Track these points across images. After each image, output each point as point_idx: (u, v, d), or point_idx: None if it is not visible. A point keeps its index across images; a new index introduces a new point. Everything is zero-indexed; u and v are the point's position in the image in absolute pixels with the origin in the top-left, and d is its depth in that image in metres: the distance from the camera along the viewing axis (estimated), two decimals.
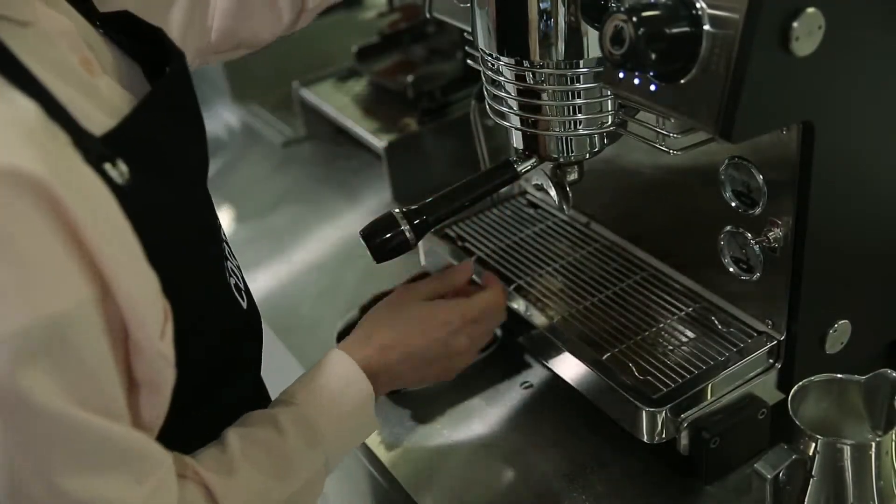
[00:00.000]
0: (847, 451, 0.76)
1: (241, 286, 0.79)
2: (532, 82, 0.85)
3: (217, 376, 0.74)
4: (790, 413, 0.79)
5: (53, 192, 0.53)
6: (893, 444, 0.77)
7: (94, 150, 0.59)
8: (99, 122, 0.62)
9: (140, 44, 0.75)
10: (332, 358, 0.86)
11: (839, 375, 0.81)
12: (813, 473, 0.78)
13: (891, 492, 0.77)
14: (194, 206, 0.73)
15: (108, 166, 0.60)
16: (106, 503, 0.59)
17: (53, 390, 0.55)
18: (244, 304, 0.77)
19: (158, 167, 0.66)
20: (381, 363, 0.87)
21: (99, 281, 0.56)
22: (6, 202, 0.52)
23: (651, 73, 0.75)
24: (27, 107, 0.56)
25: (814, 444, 0.77)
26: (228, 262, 0.77)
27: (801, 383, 0.80)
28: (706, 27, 0.70)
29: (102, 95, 0.67)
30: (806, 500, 0.79)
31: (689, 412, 0.89)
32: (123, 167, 0.60)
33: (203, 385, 0.72)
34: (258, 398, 0.84)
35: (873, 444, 0.76)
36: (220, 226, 0.79)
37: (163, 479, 0.63)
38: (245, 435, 0.74)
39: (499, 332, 1.12)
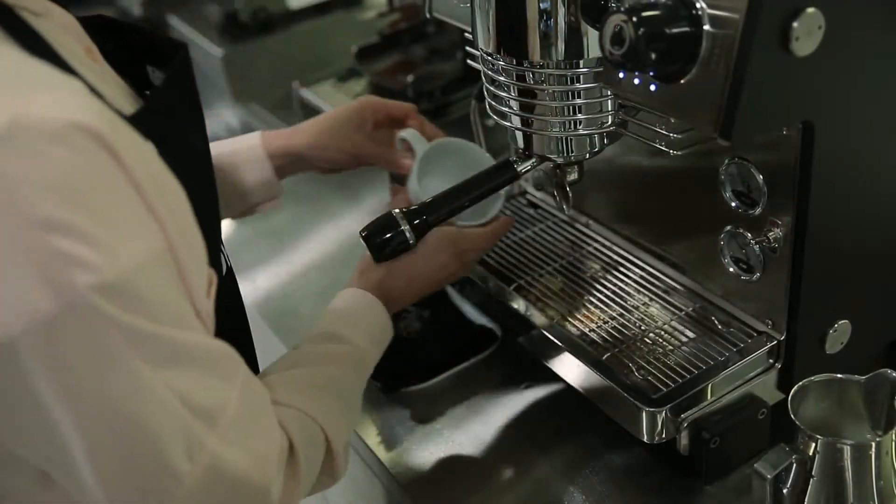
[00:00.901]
0: (847, 451, 0.76)
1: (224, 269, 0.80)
2: (532, 82, 0.85)
3: None
4: (790, 413, 0.79)
5: (116, 150, 0.57)
6: (893, 444, 0.77)
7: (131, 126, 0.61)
8: (121, 106, 0.64)
9: (122, 46, 0.76)
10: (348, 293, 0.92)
11: (839, 375, 0.81)
12: (813, 473, 0.78)
13: (891, 492, 0.77)
14: (206, 190, 0.75)
15: None
16: (217, 400, 0.64)
17: (142, 318, 0.59)
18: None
19: (177, 149, 0.68)
20: (390, 281, 0.92)
21: (164, 233, 0.60)
22: (86, 150, 0.55)
23: (651, 73, 0.75)
24: (78, 85, 0.59)
25: (814, 444, 0.77)
26: (222, 249, 0.80)
27: (801, 383, 0.80)
28: (706, 27, 0.70)
29: (109, 84, 0.69)
30: (806, 500, 0.79)
31: (689, 412, 0.89)
32: (152, 146, 0.63)
33: None
34: None
35: (873, 444, 0.76)
36: (219, 213, 0.81)
37: (247, 374, 0.68)
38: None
39: (499, 331, 1.12)
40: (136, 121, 0.63)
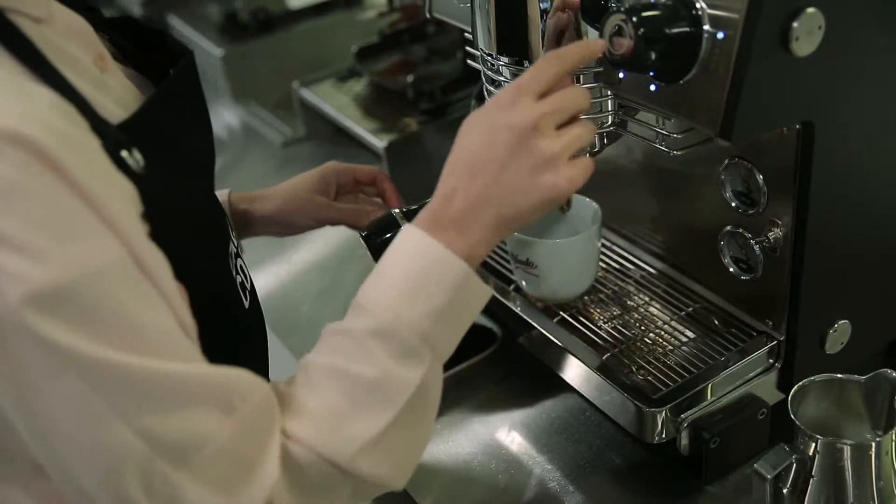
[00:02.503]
0: (847, 451, 0.76)
1: (247, 285, 0.79)
2: None
3: None
4: (790, 413, 0.79)
5: (56, 159, 0.54)
6: (893, 444, 0.77)
7: (112, 136, 0.60)
8: (112, 113, 0.63)
9: (144, 48, 0.76)
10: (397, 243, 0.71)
11: (839, 375, 0.81)
12: (813, 473, 0.78)
13: (891, 492, 0.77)
14: (203, 197, 0.74)
15: (124, 153, 0.61)
16: (192, 436, 0.59)
17: (88, 339, 0.55)
18: (246, 304, 0.77)
19: (170, 157, 0.67)
20: (453, 197, 0.69)
21: (124, 245, 0.57)
22: (15, 160, 0.53)
23: (651, 73, 0.75)
24: (46, 95, 0.57)
25: (814, 444, 0.77)
26: (239, 259, 0.78)
27: (801, 383, 0.80)
28: (706, 27, 0.70)
29: (113, 91, 0.68)
30: (806, 500, 0.79)
31: (689, 412, 0.89)
32: (138, 155, 0.62)
33: None
34: None
35: (873, 444, 0.76)
36: (228, 220, 0.79)
37: (257, 405, 0.62)
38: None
39: (499, 331, 1.12)
40: (124, 128, 0.62)
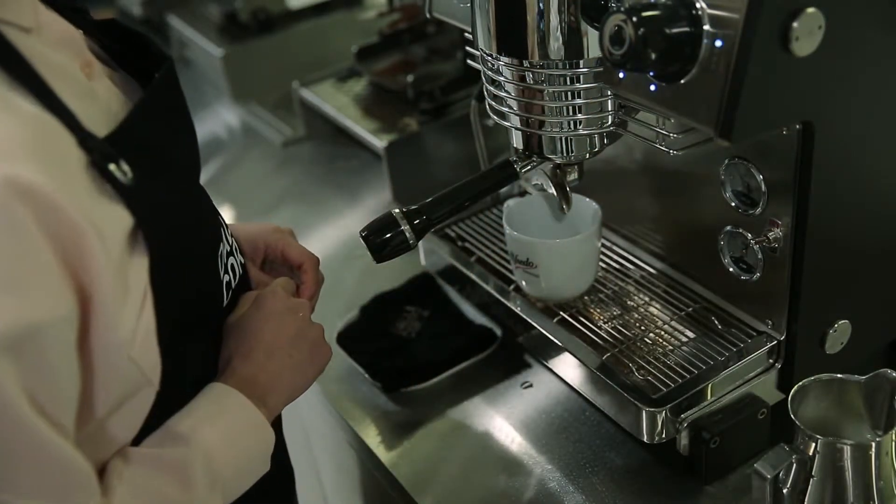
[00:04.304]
0: (847, 451, 0.76)
1: (234, 284, 0.79)
2: (532, 82, 0.85)
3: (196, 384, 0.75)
4: (790, 413, 0.79)
5: (54, 201, 0.55)
6: (893, 444, 0.77)
7: (99, 150, 0.61)
8: (98, 124, 0.63)
9: (129, 50, 0.76)
10: (209, 391, 0.75)
11: (839, 375, 0.81)
12: (813, 473, 0.78)
13: (891, 492, 0.77)
14: (190, 202, 0.74)
15: (112, 166, 0.61)
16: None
17: (22, 397, 0.56)
18: (225, 302, 0.78)
19: (157, 167, 0.67)
20: (250, 369, 0.77)
21: (81, 295, 0.59)
22: (6, 207, 0.54)
23: (651, 73, 0.75)
24: (31, 112, 0.57)
25: (814, 444, 0.77)
26: (231, 257, 0.78)
27: (801, 383, 0.80)
28: (706, 27, 0.70)
29: (100, 100, 0.68)
30: (806, 500, 0.79)
31: (689, 412, 0.89)
32: (126, 167, 0.62)
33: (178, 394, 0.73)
34: None
35: (873, 444, 0.76)
36: (221, 222, 0.79)
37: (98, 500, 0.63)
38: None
39: (499, 331, 1.12)
40: (111, 140, 0.62)
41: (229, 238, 0.80)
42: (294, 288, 0.87)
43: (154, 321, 0.64)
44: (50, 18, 0.67)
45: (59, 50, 0.66)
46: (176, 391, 0.70)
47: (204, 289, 0.74)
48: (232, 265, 0.79)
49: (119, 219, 0.62)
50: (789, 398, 0.79)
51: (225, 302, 0.77)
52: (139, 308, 0.63)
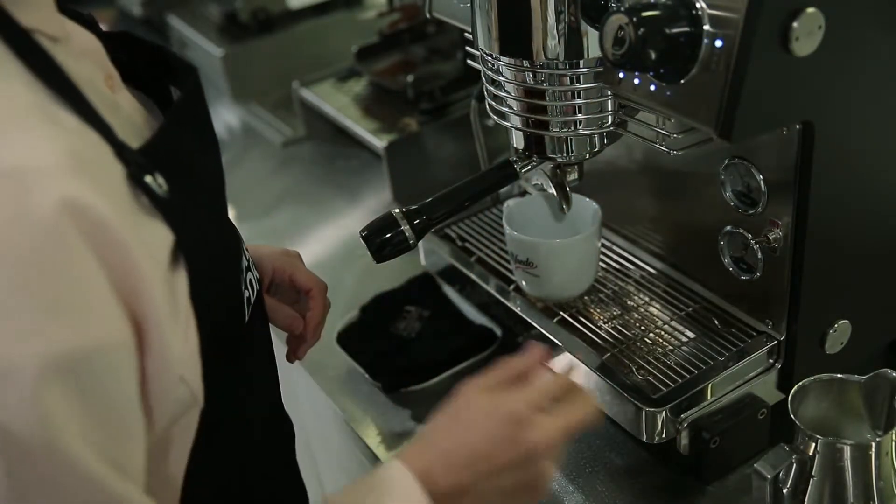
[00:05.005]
0: (847, 451, 0.76)
1: (252, 299, 0.78)
2: (532, 82, 0.85)
3: (226, 399, 0.72)
4: (790, 413, 0.79)
5: (104, 221, 0.53)
6: (893, 444, 0.77)
7: (135, 161, 0.59)
8: (127, 137, 0.61)
9: (144, 64, 0.75)
10: (389, 471, 0.71)
11: (839, 375, 0.81)
12: (813, 473, 0.78)
13: (891, 492, 0.77)
14: (219, 219, 0.73)
15: (148, 178, 0.59)
16: None
17: (75, 431, 0.52)
18: (246, 318, 0.77)
19: (188, 180, 0.65)
20: (447, 474, 0.70)
21: (134, 319, 0.55)
22: (63, 231, 0.51)
23: (651, 74, 0.75)
24: (73, 125, 0.55)
25: (814, 444, 0.77)
26: (249, 272, 0.77)
27: (801, 383, 0.80)
28: (706, 27, 0.70)
29: (124, 112, 0.67)
30: (806, 500, 0.79)
31: (689, 412, 0.89)
32: (161, 179, 0.60)
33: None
34: (277, 422, 0.83)
35: (873, 444, 0.76)
36: (240, 236, 0.78)
37: None
38: None
39: (499, 331, 1.12)
40: (144, 153, 0.61)
41: (247, 252, 0.79)
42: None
43: (196, 338, 0.61)
44: (75, 29, 0.66)
45: (83, 61, 0.64)
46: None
47: (231, 305, 0.72)
48: (251, 280, 0.78)
49: (162, 235, 0.59)
50: (789, 398, 0.79)
51: (246, 318, 0.77)
52: (185, 325, 0.61)
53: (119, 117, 0.64)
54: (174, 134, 0.67)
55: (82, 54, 0.65)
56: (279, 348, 0.93)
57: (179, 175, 0.63)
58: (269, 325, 0.86)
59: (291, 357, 0.93)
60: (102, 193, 0.54)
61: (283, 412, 0.84)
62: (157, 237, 0.59)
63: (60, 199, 0.51)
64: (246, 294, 0.75)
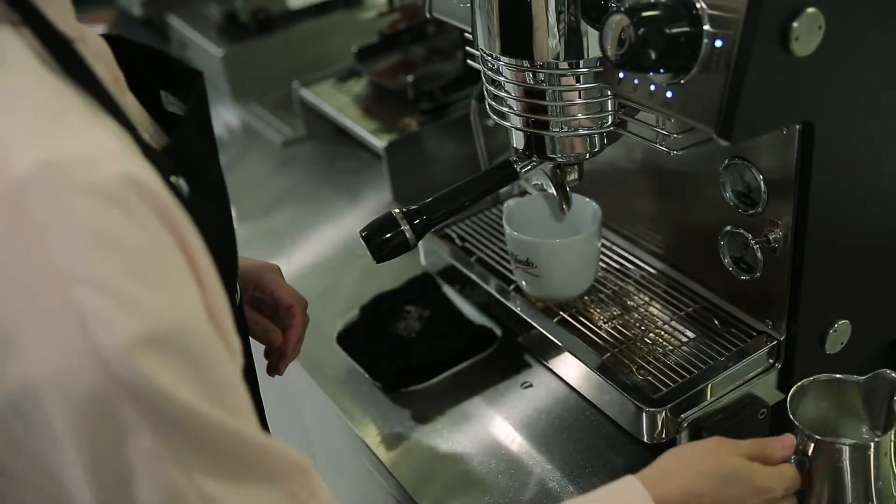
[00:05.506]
0: (846, 451, 0.76)
1: (237, 302, 0.79)
2: (532, 82, 0.85)
3: None
4: (789, 413, 0.79)
5: (161, 195, 0.53)
6: (892, 444, 0.77)
7: (161, 162, 0.59)
8: (147, 138, 0.62)
9: (138, 68, 0.75)
10: (622, 485, 0.75)
11: (838, 375, 0.81)
12: (812, 473, 0.78)
13: (889, 492, 0.77)
14: (226, 221, 0.73)
15: (174, 178, 0.60)
16: None
17: (193, 389, 0.52)
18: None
19: (202, 181, 0.66)
20: None
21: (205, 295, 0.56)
22: (137, 207, 0.52)
23: (651, 74, 0.75)
24: (110, 124, 0.56)
25: (812, 445, 0.77)
26: (237, 278, 0.78)
27: (800, 383, 0.80)
28: (706, 27, 0.70)
29: (133, 114, 0.67)
30: (805, 500, 0.79)
31: (689, 412, 0.89)
32: (183, 181, 0.61)
33: None
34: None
35: (872, 444, 0.76)
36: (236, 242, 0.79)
37: (312, 488, 0.61)
38: None
39: (499, 331, 1.12)
40: (168, 154, 0.61)
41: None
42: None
43: None
44: (87, 31, 0.66)
45: (98, 63, 0.64)
46: None
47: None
48: (237, 285, 0.79)
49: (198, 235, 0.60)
50: (788, 398, 0.79)
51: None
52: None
53: (135, 117, 0.64)
54: (190, 138, 0.68)
55: (97, 57, 0.65)
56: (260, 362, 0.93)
57: (196, 179, 0.64)
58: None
59: (272, 372, 0.94)
60: (155, 177, 0.55)
61: (266, 425, 0.84)
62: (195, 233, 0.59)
63: (124, 175, 0.52)
64: (236, 297, 0.76)
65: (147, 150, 0.58)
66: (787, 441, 0.80)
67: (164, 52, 0.75)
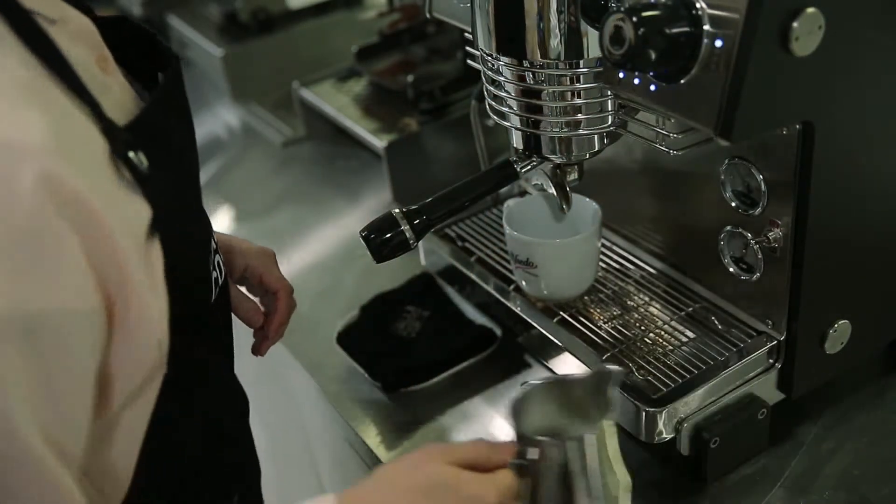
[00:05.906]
0: (557, 448, 0.72)
1: (220, 280, 0.80)
2: (532, 82, 0.85)
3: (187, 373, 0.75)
4: (511, 424, 0.75)
5: (80, 195, 0.56)
6: (614, 436, 0.74)
7: (120, 138, 0.62)
8: (113, 116, 0.64)
9: (133, 48, 0.77)
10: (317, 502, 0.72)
11: (561, 375, 0.78)
12: (535, 477, 0.74)
13: (616, 484, 0.75)
14: (194, 198, 0.75)
15: (131, 154, 0.63)
16: None
17: (22, 395, 0.55)
18: (213, 298, 0.78)
19: (167, 159, 0.68)
20: None
21: (108, 292, 0.58)
22: (40, 203, 0.54)
23: (651, 73, 0.75)
24: (63, 103, 0.59)
25: (536, 449, 0.73)
26: (217, 255, 0.80)
27: (521, 391, 0.76)
28: (706, 27, 0.70)
29: (114, 94, 0.69)
30: (536, 502, 0.74)
31: (690, 412, 0.89)
32: (142, 156, 0.63)
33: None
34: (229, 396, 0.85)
35: (585, 437, 0.72)
36: (209, 221, 0.81)
37: None
38: None
39: (499, 331, 1.12)
40: (129, 130, 0.63)
41: (214, 236, 0.81)
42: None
43: (167, 308, 0.64)
44: (72, 12, 0.69)
45: (77, 43, 0.67)
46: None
47: (199, 283, 0.75)
48: (218, 262, 0.80)
49: (141, 209, 0.63)
50: (511, 408, 0.75)
51: (213, 297, 0.78)
52: (159, 294, 0.64)
53: (108, 97, 0.67)
54: (157, 115, 0.70)
55: (77, 36, 0.67)
56: (277, 353, 0.93)
57: (159, 154, 0.66)
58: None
59: (255, 352, 0.96)
60: (80, 169, 0.57)
61: (240, 409, 0.86)
62: (135, 211, 0.62)
63: (40, 174, 0.54)
64: (214, 275, 0.78)
65: (107, 127, 0.61)
66: (503, 446, 0.76)
67: (154, 34, 0.78)
